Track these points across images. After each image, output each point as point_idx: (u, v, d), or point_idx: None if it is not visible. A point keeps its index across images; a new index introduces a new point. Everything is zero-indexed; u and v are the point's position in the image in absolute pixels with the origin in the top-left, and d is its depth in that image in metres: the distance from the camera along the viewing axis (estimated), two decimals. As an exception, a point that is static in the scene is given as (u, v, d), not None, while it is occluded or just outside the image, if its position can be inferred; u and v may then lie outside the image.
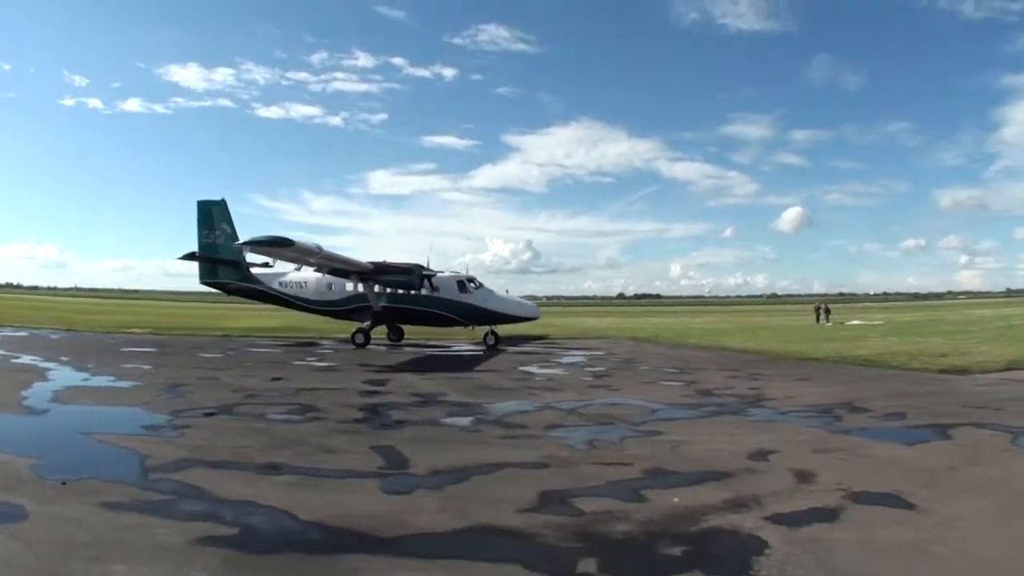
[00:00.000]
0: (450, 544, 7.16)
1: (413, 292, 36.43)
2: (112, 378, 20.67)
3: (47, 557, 6.54)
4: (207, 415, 14.67)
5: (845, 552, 6.87)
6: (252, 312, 62.60)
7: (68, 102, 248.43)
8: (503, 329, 37.88)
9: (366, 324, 36.40)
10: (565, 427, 13.95)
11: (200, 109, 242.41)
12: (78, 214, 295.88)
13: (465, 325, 36.88)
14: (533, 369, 26.00)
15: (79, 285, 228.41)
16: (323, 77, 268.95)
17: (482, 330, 36.93)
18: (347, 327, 37.02)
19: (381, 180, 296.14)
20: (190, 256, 39.07)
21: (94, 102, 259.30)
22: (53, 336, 39.12)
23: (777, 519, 7.81)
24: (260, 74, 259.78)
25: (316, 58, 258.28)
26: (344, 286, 37.76)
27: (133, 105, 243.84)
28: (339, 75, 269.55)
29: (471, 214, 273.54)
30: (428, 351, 33.95)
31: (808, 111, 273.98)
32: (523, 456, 11.16)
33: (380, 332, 38.76)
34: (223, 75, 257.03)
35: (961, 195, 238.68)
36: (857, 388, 19.49)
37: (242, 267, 39.26)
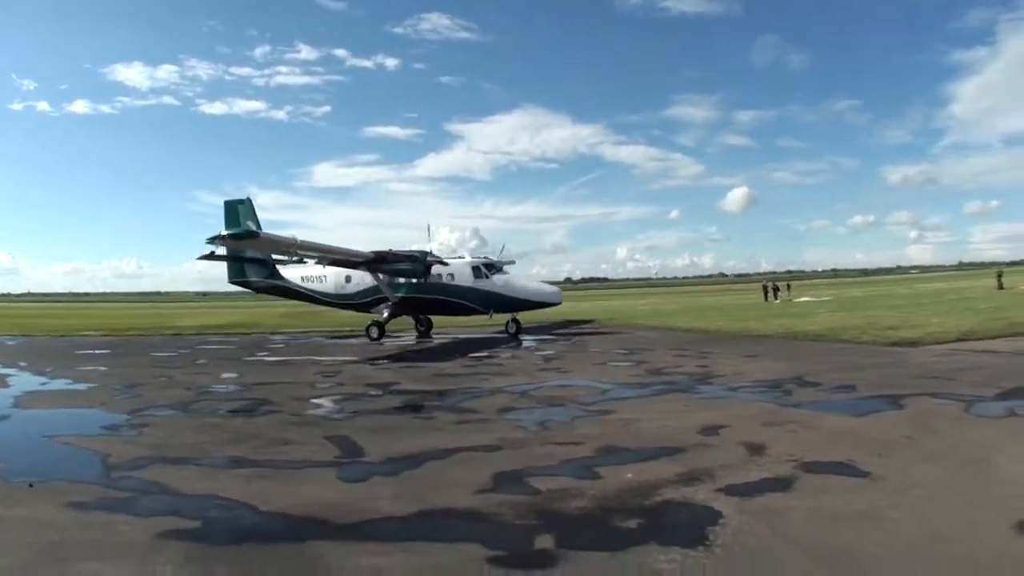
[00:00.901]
0: (408, 527, 7.19)
1: (426, 281, 35.32)
2: (70, 381, 20.75)
3: (19, 558, 6.57)
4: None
5: (799, 519, 6.99)
6: (202, 310, 61.80)
7: (17, 106, 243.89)
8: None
9: (382, 316, 35.69)
10: (517, 410, 14.06)
11: (145, 108, 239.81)
12: (28, 219, 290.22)
13: (484, 313, 35.28)
14: (483, 353, 26.31)
15: (31, 290, 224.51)
16: (266, 71, 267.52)
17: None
18: (307, 321, 37.18)
19: (326, 172, 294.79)
20: (216, 256, 36.31)
21: (43, 105, 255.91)
22: (10, 342, 39.67)
23: (730, 490, 7.92)
24: (203, 70, 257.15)
25: (259, 52, 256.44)
26: (363, 279, 36.68)
27: (80, 106, 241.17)
28: (282, 69, 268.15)
29: (416, 203, 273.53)
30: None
31: (752, 92, 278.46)
32: (476, 440, 11.21)
33: (403, 325, 38.50)
34: (167, 72, 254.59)
35: (911, 171, 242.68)
36: (807, 363, 19.72)
37: (269, 264, 38.95)
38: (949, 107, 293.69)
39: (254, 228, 36.81)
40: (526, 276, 40.36)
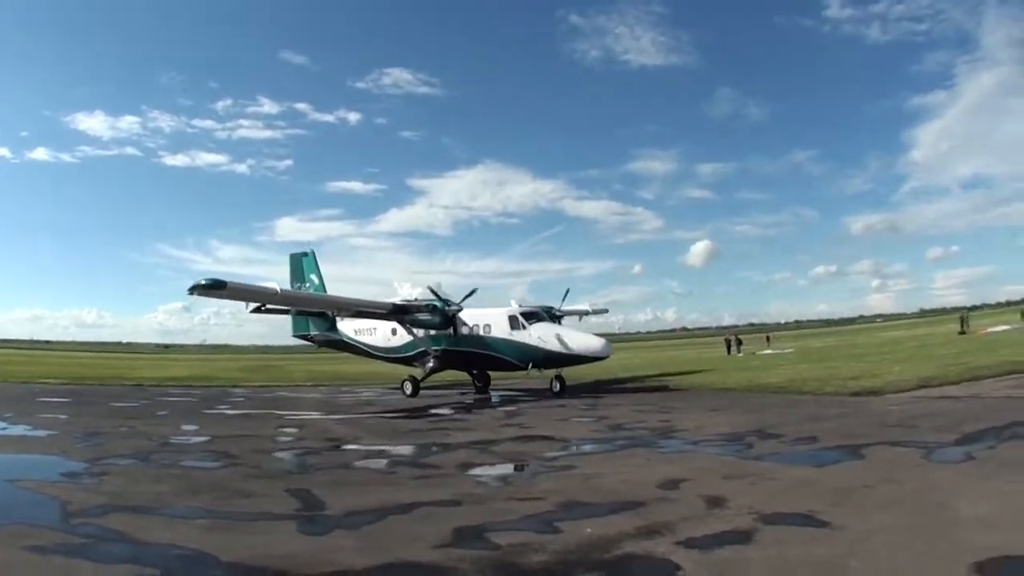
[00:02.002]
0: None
1: (457, 333, 32.44)
2: (30, 427, 20.69)
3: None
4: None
5: (759, 571, 6.98)
6: (163, 362, 61.22)
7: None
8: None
9: (421, 371, 33.32)
10: (479, 465, 13.97)
11: (107, 158, 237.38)
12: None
13: (522, 368, 31.75)
14: (444, 411, 26.09)
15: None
16: (228, 124, 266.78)
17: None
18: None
19: (288, 227, 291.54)
20: (274, 310, 32.91)
21: (2, 151, 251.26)
22: (-30, 389, 38.78)
23: (690, 543, 7.86)
24: (166, 122, 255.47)
25: (221, 105, 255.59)
26: (410, 331, 33.84)
27: (41, 154, 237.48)
28: (244, 122, 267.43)
29: (378, 259, 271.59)
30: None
31: (712, 144, 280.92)
32: (437, 495, 11.08)
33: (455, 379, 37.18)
34: (129, 123, 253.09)
35: (872, 219, 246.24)
36: (768, 415, 19.65)
37: (330, 318, 37.33)
38: (909, 153, 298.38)
39: (317, 281, 38.24)
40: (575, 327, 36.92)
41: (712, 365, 46.31)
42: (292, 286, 37.71)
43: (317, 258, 39.38)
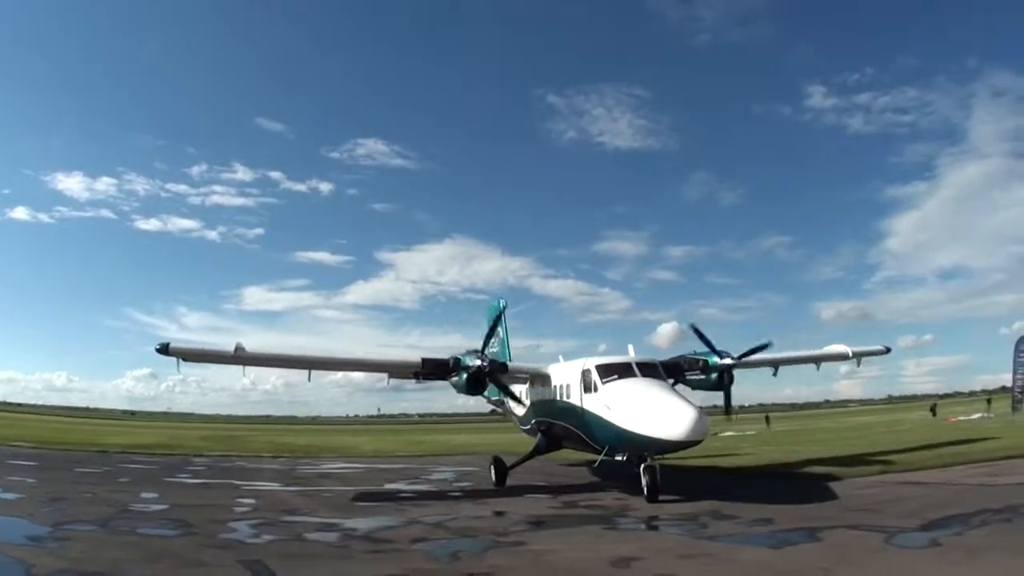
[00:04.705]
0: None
1: (550, 399, 24.32)
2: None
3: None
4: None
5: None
6: (128, 429, 60.89)
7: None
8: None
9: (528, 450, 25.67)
10: (431, 540, 13.79)
11: (83, 220, 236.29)
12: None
13: (600, 452, 20.99)
14: (402, 485, 25.80)
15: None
16: (202, 190, 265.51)
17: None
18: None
19: (255, 296, 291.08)
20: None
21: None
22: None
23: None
24: (141, 185, 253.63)
25: (196, 170, 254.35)
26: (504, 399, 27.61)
27: (20, 213, 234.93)
28: (218, 188, 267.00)
29: (343, 331, 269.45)
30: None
31: (683, 228, 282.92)
32: (388, 569, 11.14)
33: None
34: (106, 185, 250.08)
35: (843, 306, 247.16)
36: (726, 496, 19.44)
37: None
38: (884, 242, 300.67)
39: (503, 336, 31.74)
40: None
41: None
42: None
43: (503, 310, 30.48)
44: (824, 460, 28.26)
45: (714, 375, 23.57)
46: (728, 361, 23.45)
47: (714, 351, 23.53)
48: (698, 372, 23.77)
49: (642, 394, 19.59)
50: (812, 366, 30.73)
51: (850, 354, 30.16)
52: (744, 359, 23.76)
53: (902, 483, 20.58)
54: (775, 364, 28.72)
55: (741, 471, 26.86)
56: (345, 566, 11.59)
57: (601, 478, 24.58)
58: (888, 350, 32.70)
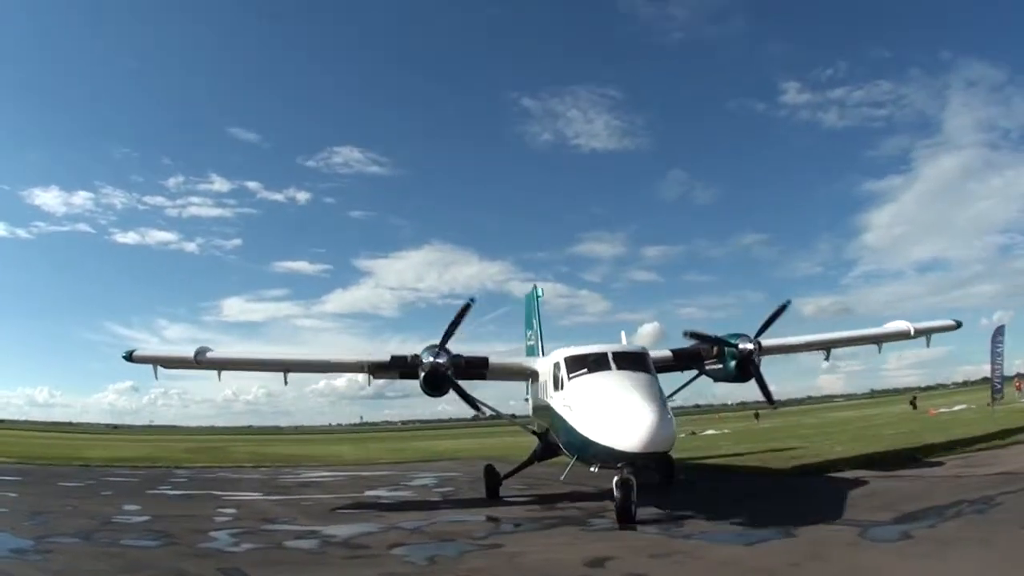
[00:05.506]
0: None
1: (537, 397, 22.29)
2: None
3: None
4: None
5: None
6: (110, 443, 60.87)
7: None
8: None
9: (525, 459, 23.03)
10: (408, 545, 13.85)
11: (60, 234, 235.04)
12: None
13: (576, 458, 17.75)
14: (383, 492, 25.95)
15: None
16: (179, 202, 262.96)
17: None
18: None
19: (235, 307, 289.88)
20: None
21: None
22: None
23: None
24: (118, 198, 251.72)
25: (172, 182, 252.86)
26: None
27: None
28: (195, 199, 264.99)
29: (323, 340, 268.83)
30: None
31: (659, 227, 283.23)
32: (365, 574, 11.28)
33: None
34: (83, 199, 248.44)
35: (823, 302, 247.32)
36: (703, 493, 19.57)
37: None
38: (862, 236, 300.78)
39: (537, 328, 29.74)
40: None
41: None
42: (527, 336, 29.25)
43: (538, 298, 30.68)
44: (801, 456, 28.56)
45: (732, 363, 20.04)
46: (749, 346, 19.89)
47: (727, 342, 20.01)
48: (714, 360, 20.68)
49: (605, 392, 16.19)
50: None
51: (912, 332, 25.46)
52: (765, 336, 20.39)
53: (878, 476, 20.52)
54: (826, 346, 25.03)
55: (721, 469, 27.21)
56: (322, 571, 11.72)
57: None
58: (959, 324, 27.42)
